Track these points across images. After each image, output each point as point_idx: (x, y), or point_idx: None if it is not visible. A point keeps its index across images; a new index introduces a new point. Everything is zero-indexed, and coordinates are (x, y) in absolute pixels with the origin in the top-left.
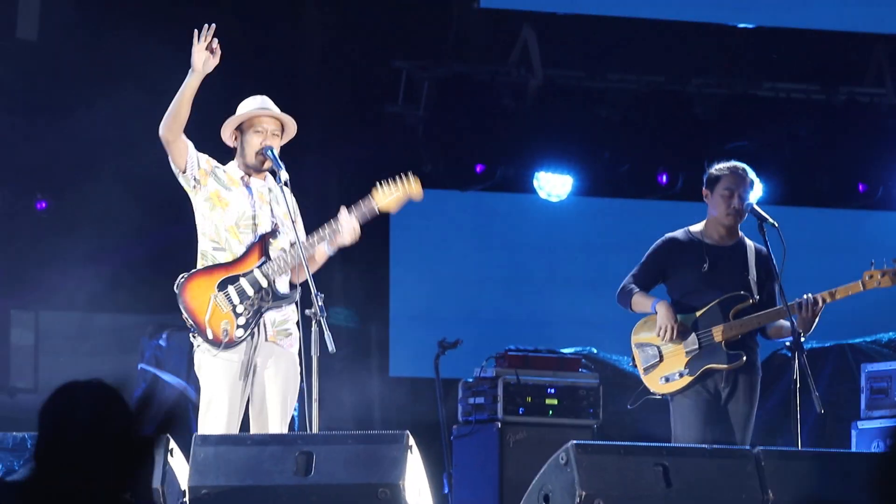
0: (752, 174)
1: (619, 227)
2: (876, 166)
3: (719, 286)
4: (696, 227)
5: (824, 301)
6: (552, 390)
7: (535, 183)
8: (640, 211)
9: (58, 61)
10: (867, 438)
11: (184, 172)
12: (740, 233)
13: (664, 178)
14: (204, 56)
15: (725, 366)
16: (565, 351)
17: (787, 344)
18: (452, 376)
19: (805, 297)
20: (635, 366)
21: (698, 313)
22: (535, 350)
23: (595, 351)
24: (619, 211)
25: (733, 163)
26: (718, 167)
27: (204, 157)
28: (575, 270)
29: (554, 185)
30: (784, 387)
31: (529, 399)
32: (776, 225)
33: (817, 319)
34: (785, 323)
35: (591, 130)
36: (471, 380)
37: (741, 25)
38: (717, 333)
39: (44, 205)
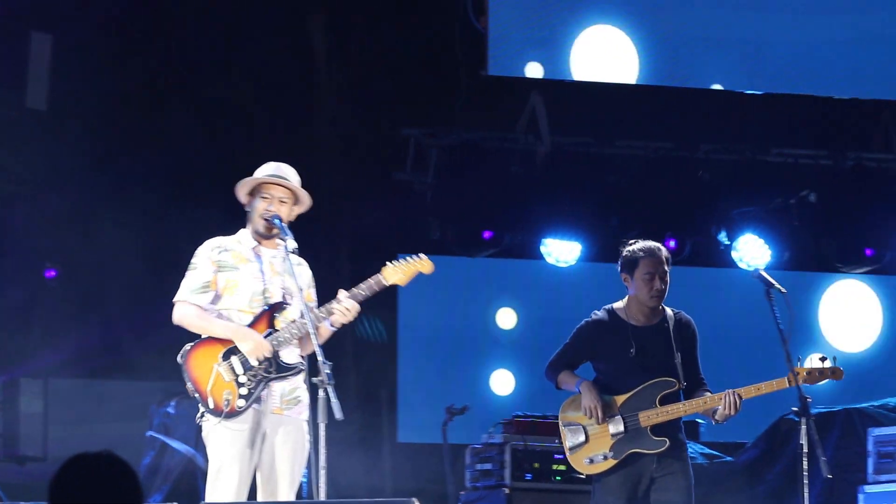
0: (665, 251)
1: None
2: (883, 231)
3: (645, 369)
4: (619, 305)
5: (752, 394)
6: (560, 456)
7: (543, 249)
8: None
9: (66, 131)
10: (875, 502)
11: None
12: (662, 305)
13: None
14: (259, 352)
15: (650, 451)
16: None
17: (795, 409)
18: (460, 442)
19: (727, 394)
20: (560, 444)
21: (624, 396)
22: (542, 416)
23: None
24: None
25: (648, 243)
26: (632, 249)
27: (211, 266)
28: None
29: (562, 251)
30: (791, 451)
31: (537, 465)
32: (784, 291)
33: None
34: (699, 409)
35: (599, 197)
36: (478, 445)
37: (749, 92)
38: (644, 419)
39: (53, 273)
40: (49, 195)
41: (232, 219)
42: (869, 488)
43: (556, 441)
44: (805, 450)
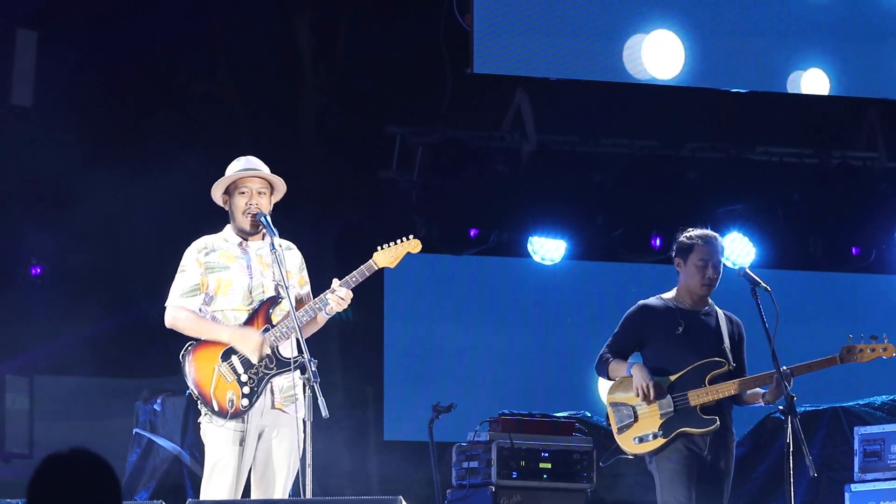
0: (722, 242)
1: (613, 290)
2: (868, 230)
3: (694, 350)
4: (669, 294)
5: (801, 372)
6: (546, 454)
7: (529, 247)
8: (633, 274)
9: (53, 129)
10: (861, 501)
11: None
12: (710, 300)
13: (658, 241)
14: (259, 352)
15: (699, 430)
16: (559, 415)
17: (780, 407)
18: (447, 440)
19: (782, 368)
20: (609, 424)
21: (674, 377)
22: (528, 414)
23: (589, 415)
24: (613, 274)
25: (705, 231)
26: (690, 235)
27: (199, 268)
28: (569, 334)
29: (548, 249)
30: (777, 450)
31: (523, 463)
32: (769, 289)
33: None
34: (759, 389)
35: (585, 195)
36: (465, 444)
37: (734, 90)
38: (693, 398)
39: (38, 271)
40: (35, 192)
41: (218, 217)
42: (855, 486)
43: (542, 439)
44: (791, 448)
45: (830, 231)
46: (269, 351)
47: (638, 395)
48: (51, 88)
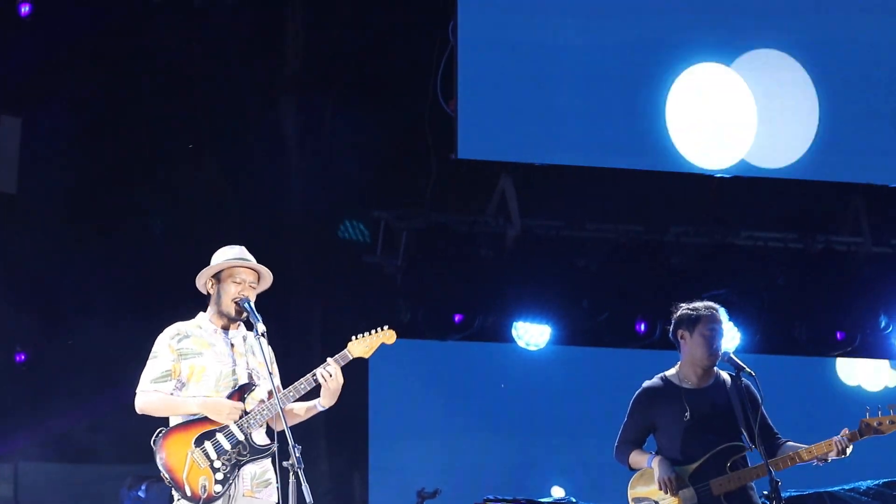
0: (724, 313)
1: (598, 375)
2: (853, 314)
3: (709, 433)
4: (671, 372)
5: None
6: None
7: (514, 332)
8: (618, 359)
9: (36, 215)
10: None
11: None
12: (715, 369)
13: (643, 326)
14: (234, 415)
15: None
16: (544, 501)
17: (766, 493)
18: None
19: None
20: None
21: (693, 466)
22: (513, 500)
23: (574, 501)
24: (598, 359)
25: (708, 302)
26: (694, 307)
27: (172, 355)
28: (554, 419)
29: (532, 334)
30: None
31: None
32: (753, 374)
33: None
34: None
35: (570, 279)
36: None
37: (718, 174)
38: (716, 487)
39: (23, 357)
40: (18, 278)
41: (199, 304)
42: None
43: None
44: None
45: (815, 315)
46: (240, 411)
47: (661, 489)
48: (35, 174)
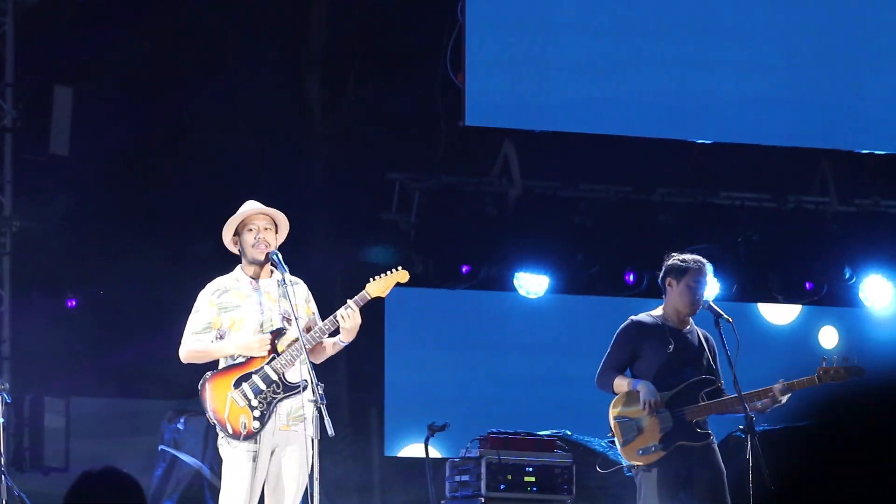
0: (710, 268)
1: (591, 321)
2: (821, 266)
3: (686, 366)
4: (657, 312)
5: (786, 390)
6: (530, 469)
7: (515, 282)
8: (609, 307)
9: (87, 175)
10: None
11: None
12: (690, 319)
13: (631, 277)
14: (264, 347)
15: (696, 443)
16: (542, 433)
17: (741, 427)
18: (441, 456)
19: (781, 381)
20: (613, 437)
21: (671, 392)
22: (514, 433)
23: (569, 433)
24: (591, 307)
25: (697, 256)
26: (684, 258)
27: (212, 308)
28: (551, 360)
29: (532, 283)
30: (737, 466)
31: (510, 477)
32: (731, 320)
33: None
34: (736, 406)
35: (566, 235)
36: (457, 459)
37: (700, 141)
38: (689, 413)
39: (73, 303)
40: (71, 232)
41: (231, 258)
42: None
43: (527, 455)
44: (751, 464)
45: (786, 267)
46: (268, 342)
47: (644, 409)
48: (85, 138)
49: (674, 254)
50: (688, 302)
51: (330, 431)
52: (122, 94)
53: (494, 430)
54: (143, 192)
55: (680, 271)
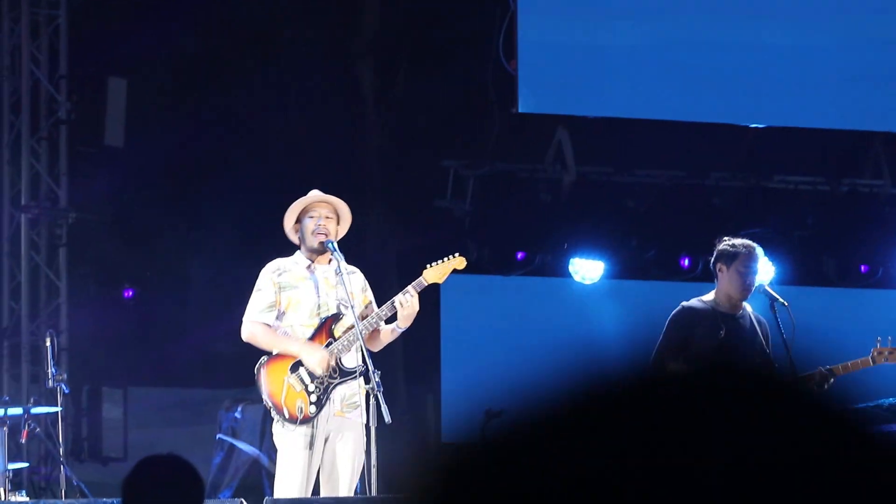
0: (760, 251)
1: (646, 306)
2: (876, 249)
3: (737, 352)
4: (708, 297)
5: (840, 372)
6: None
7: (571, 268)
8: (665, 292)
9: (141, 166)
10: None
11: None
12: (744, 303)
13: (686, 262)
14: (324, 365)
15: None
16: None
17: None
18: None
19: (819, 369)
20: None
21: None
22: None
23: None
24: (646, 292)
25: (749, 241)
26: (734, 243)
27: (273, 287)
28: (606, 345)
29: (587, 269)
30: None
31: None
32: (786, 304)
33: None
34: None
35: (620, 220)
36: None
37: (753, 125)
38: None
39: (130, 293)
40: (126, 222)
41: (285, 244)
42: None
43: None
44: None
45: (841, 251)
46: (332, 363)
47: None
48: (140, 129)
49: (724, 238)
50: (739, 287)
51: (387, 418)
52: (176, 85)
53: None
54: (198, 183)
55: (730, 256)
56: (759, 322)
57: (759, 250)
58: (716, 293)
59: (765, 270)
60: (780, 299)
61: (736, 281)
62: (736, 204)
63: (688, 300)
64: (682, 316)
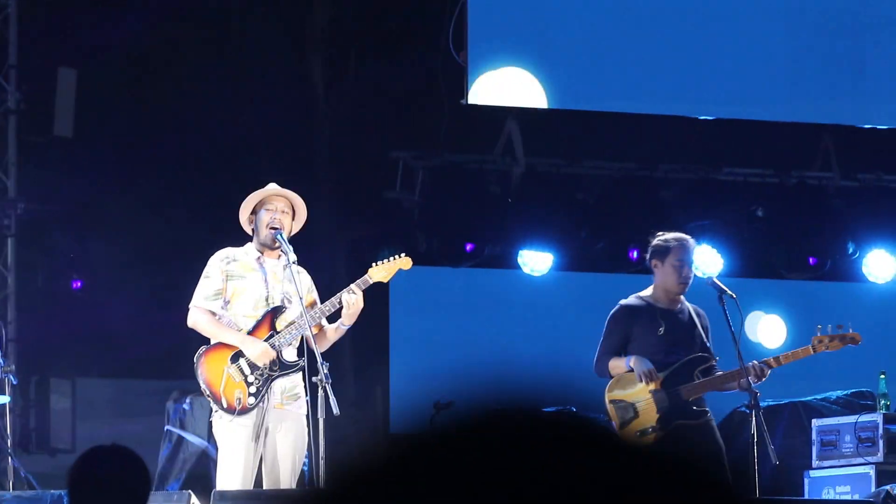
0: (694, 243)
1: (594, 298)
2: (825, 242)
3: (678, 347)
4: (646, 293)
5: (776, 364)
6: None
7: (520, 260)
8: (612, 284)
9: (91, 157)
10: (818, 485)
11: None
12: (681, 297)
13: (635, 254)
14: (265, 359)
15: (694, 421)
16: (546, 410)
17: (745, 403)
18: None
19: (755, 362)
20: (611, 421)
21: (664, 373)
22: None
23: (574, 409)
24: (594, 284)
25: (680, 234)
26: (665, 238)
27: (221, 276)
28: (554, 337)
29: (536, 261)
30: (743, 441)
31: None
32: (734, 296)
33: (765, 379)
34: (731, 382)
35: (570, 212)
36: None
37: (702, 117)
38: (686, 392)
39: (79, 284)
40: (75, 213)
41: (237, 233)
42: (813, 473)
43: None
44: (755, 439)
45: (790, 243)
46: (273, 357)
47: (641, 381)
48: (89, 120)
49: (658, 233)
50: (675, 280)
51: (335, 410)
52: (126, 75)
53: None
54: (147, 174)
55: (663, 251)
56: (698, 314)
57: (692, 242)
58: (653, 289)
59: (713, 262)
60: (728, 291)
61: (671, 275)
62: (685, 196)
63: (626, 297)
64: (620, 314)
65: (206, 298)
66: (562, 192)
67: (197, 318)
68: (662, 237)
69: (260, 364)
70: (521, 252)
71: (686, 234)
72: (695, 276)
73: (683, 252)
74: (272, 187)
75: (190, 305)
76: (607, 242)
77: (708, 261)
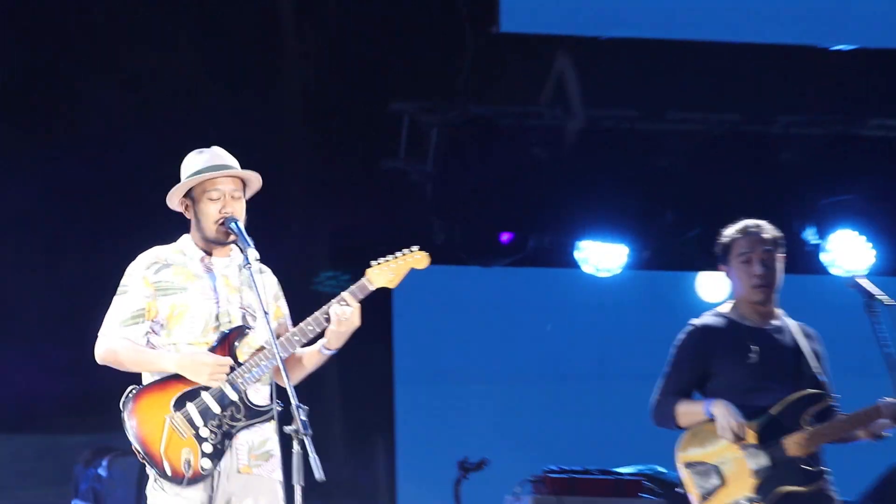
0: (771, 229)
1: (688, 306)
2: None
3: (775, 380)
4: (725, 308)
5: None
6: None
7: (578, 255)
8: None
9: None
10: None
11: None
12: (778, 310)
13: None
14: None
15: (806, 487)
16: (622, 470)
17: None
18: None
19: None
20: (686, 492)
21: (761, 419)
22: (583, 471)
23: (662, 470)
24: (687, 286)
25: (745, 221)
26: (727, 231)
27: (147, 290)
28: (632, 364)
29: (602, 256)
30: None
31: None
32: (891, 303)
33: None
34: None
35: (648, 186)
36: None
37: (836, 48)
38: (791, 446)
39: None
40: None
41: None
42: None
43: (601, 502)
44: None
45: None
46: (236, 396)
47: (730, 439)
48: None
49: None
50: (748, 283)
51: (318, 474)
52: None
53: (553, 467)
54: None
55: (724, 250)
56: (807, 335)
57: (765, 227)
58: (734, 303)
59: (858, 255)
60: (881, 296)
61: (741, 277)
62: (814, 160)
63: (698, 316)
64: (693, 339)
65: (123, 323)
66: (637, 158)
67: (108, 349)
68: (726, 231)
69: (215, 384)
70: (579, 244)
71: (819, 213)
72: (835, 277)
73: (747, 241)
74: (210, 163)
75: (99, 334)
76: (705, 228)
77: (851, 253)
